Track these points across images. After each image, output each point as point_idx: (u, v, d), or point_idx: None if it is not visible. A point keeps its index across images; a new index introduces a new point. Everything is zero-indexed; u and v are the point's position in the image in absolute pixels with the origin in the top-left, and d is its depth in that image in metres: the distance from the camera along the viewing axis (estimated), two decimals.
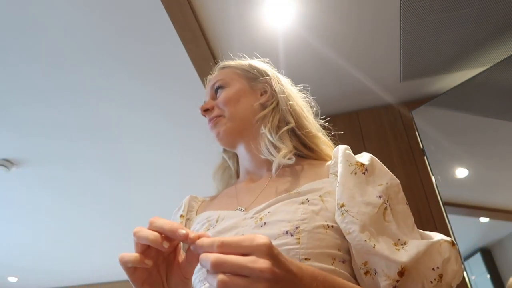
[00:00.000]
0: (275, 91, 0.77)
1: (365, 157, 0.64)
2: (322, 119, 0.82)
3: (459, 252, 1.64)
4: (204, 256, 0.39)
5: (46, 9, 1.62)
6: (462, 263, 1.63)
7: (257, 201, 0.68)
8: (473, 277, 1.60)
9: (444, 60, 1.92)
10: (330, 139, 0.80)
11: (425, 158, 1.93)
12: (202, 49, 1.79)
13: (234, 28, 1.72)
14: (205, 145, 2.42)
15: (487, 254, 1.63)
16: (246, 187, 0.75)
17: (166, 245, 0.43)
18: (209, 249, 0.39)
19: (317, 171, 0.69)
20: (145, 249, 0.45)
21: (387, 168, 0.63)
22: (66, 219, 3.35)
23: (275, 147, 0.70)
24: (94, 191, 2.95)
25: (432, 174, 1.86)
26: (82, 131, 2.34)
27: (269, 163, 0.73)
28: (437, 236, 0.58)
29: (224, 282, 0.37)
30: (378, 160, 0.64)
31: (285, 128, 0.73)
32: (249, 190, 0.73)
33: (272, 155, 0.69)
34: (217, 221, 0.67)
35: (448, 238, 0.57)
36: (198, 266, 0.55)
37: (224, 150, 0.88)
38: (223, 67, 0.85)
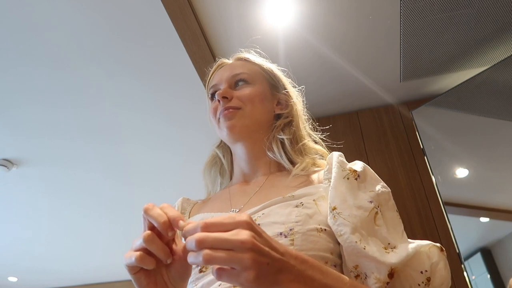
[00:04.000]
0: (292, 108, 0.81)
1: (358, 165, 0.65)
2: (320, 119, 0.84)
3: (459, 255, 1.63)
4: (189, 238, 0.40)
5: (45, 10, 1.61)
6: (462, 263, 1.63)
7: (250, 202, 0.69)
8: (473, 277, 1.60)
9: (444, 60, 1.92)
10: (325, 140, 0.83)
11: (425, 158, 1.93)
12: (202, 49, 1.78)
13: (234, 28, 1.72)
14: (205, 146, 2.41)
15: (487, 254, 1.63)
16: (240, 189, 0.76)
17: (170, 234, 0.44)
18: (194, 231, 0.41)
19: (311, 177, 0.70)
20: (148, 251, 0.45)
21: (378, 177, 0.66)
22: (66, 219, 3.35)
23: (290, 156, 0.74)
24: (94, 191, 2.94)
25: (432, 174, 1.86)
26: (82, 132, 2.34)
27: (265, 167, 0.76)
28: (426, 242, 0.59)
29: (208, 255, 0.38)
30: (371, 169, 0.66)
31: (302, 143, 0.77)
32: (243, 192, 0.74)
33: (287, 163, 0.73)
34: None
35: (437, 244, 0.58)
36: None
37: (218, 146, 0.87)
38: (247, 60, 0.84)
